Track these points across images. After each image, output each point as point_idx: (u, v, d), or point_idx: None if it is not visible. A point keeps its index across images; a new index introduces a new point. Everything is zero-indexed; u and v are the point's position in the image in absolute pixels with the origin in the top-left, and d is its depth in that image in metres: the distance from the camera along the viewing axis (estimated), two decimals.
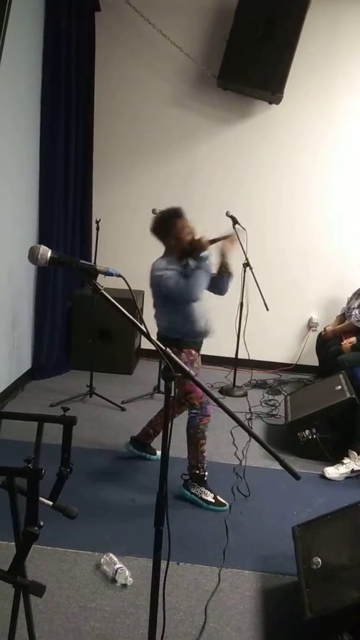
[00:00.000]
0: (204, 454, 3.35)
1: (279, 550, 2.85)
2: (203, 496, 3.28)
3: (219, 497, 3.29)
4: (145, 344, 5.75)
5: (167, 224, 3.36)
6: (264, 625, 2.40)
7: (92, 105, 5.50)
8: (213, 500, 3.26)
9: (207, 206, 5.62)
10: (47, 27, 4.63)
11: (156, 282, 3.27)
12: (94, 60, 5.43)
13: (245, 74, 5.02)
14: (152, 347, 1.73)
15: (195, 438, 3.34)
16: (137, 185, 5.69)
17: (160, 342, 3.32)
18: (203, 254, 3.29)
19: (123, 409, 4.57)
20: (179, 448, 3.84)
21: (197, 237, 3.33)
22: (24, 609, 1.82)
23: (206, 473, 3.35)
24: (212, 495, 3.28)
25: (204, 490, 3.30)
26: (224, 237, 3.53)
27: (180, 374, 1.68)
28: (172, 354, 1.70)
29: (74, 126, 5.09)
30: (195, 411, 3.34)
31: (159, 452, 3.75)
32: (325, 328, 5.43)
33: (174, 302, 3.26)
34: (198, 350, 3.41)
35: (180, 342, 3.31)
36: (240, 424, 1.73)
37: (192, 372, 3.23)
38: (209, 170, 5.65)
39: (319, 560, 2.37)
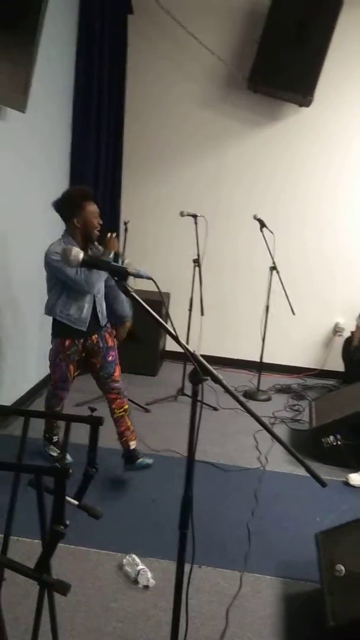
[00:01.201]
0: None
1: (301, 557, 2.83)
2: (50, 452, 3.44)
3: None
4: (170, 346, 5.76)
5: (76, 205, 3.25)
6: (286, 631, 2.38)
7: (123, 107, 5.53)
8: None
9: (234, 208, 5.63)
10: (81, 30, 4.68)
11: (53, 267, 3.20)
12: (125, 62, 5.46)
13: (276, 77, 5.00)
14: (177, 349, 1.73)
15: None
16: (166, 187, 5.71)
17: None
18: (109, 252, 3.27)
19: (147, 411, 4.58)
20: (202, 451, 3.84)
21: (108, 234, 3.29)
22: (48, 607, 1.84)
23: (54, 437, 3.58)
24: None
25: (52, 446, 3.50)
26: (126, 263, 3.71)
27: (208, 378, 1.67)
28: (200, 357, 1.70)
29: (105, 127, 5.12)
30: (50, 389, 3.66)
31: (139, 459, 3.54)
32: (352, 333, 5.36)
33: (64, 286, 3.26)
34: (78, 339, 3.38)
35: (58, 326, 3.36)
36: (267, 428, 1.73)
37: (57, 360, 3.44)
38: (237, 173, 5.64)
39: (342, 568, 2.35)
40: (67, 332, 3.35)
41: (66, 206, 3.29)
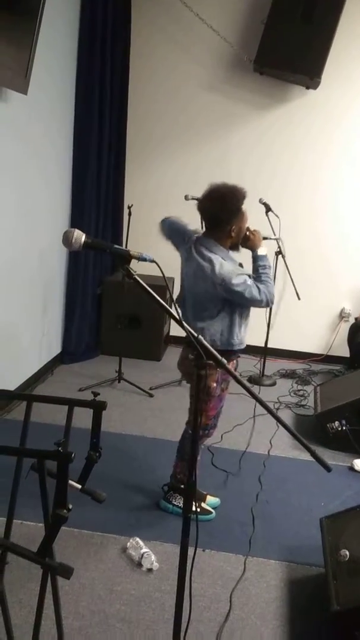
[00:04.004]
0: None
1: (306, 541, 2.84)
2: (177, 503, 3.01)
3: (204, 505, 3.02)
4: (174, 331, 5.74)
5: (238, 210, 2.72)
6: (290, 615, 2.39)
7: (127, 90, 5.47)
8: (198, 510, 2.89)
9: None
10: (83, 10, 4.60)
11: (236, 292, 2.68)
12: (129, 44, 5.39)
13: (283, 58, 4.92)
14: (181, 334, 1.72)
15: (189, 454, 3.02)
16: (170, 171, 5.66)
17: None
18: (261, 250, 2.88)
19: (151, 395, 4.58)
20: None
21: (254, 229, 2.88)
22: (51, 590, 1.84)
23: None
24: (196, 505, 2.79)
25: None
26: (274, 238, 3.25)
27: (211, 362, 1.66)
28: (204, 341, 1.68)
29: (108, 110, 5.06)
30: (190, 432, 2.84)
31: (210, 498, 3.15)
32: (356, 319, 5.37)
33: (234, 308, 2.78)
34: (231, 360, 2.96)
35: (233, 353, 2.87)
36: (271, 413, 1.71)
37: (218, 391, 2.87)
38: (244, 156, 5.57)
39: (347, 552, 2.34)
40: (230, 355, 2.83)
41: (227, 212, 2.71)
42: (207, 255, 2.71)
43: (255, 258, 2.88)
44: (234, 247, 2.86)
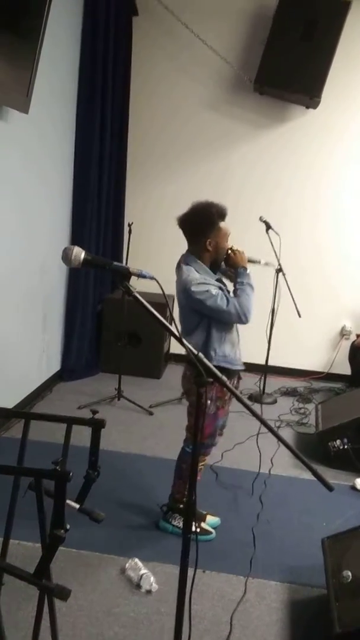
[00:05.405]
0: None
1: (308, 562, 2.79)
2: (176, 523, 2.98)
3: (204, 525, 2.97)
4: (175, 349, 5.72)
5: (212, 224, 2.78)
6: (291, 638, 2.34)
7: (127, 108, 5.52)
8: (198, 530, 2.85)
9: (241, 211, 5.55)
10: (85, 31, 4.66)
11: (195, 300, 2.72)
12: (130, 63, 5.45)
13: (283, 78, 4.97)
14: (182, 352, 1.71)
15: (186, 474, 2.90)
16: (170, 189, 5.69)
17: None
18: (243, 269, 2.87)
19: (151, 413, 4.55)
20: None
21: (237, 249, 2.89)
22: (48, 612, 1.81)
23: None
24: (196, 525, 2.80)
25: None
26: (263, 263, 3.26)
27: (212, 380, 1.65)
28: (204, 359, 1.67)
29: (109, 128, 5.11)
30: (187, 449, 2.96)
31: (210, 518, 3.11)
32: (357, 335, 5.36)
33: (211, 322, 2.79)
34: (231, 380, 2.90)
35: (225, 370, 2.74)
36: (272, 431, 1.69)
37: (212, 408, 2.81)
38: (244, 175, 5.61)
39: (349, 574, 2.30)
40: (224, 374, 2.77)
41: (200, 224, 2.79)
42: (182, 267, 2.81)
43: (236, 275, 2.89)
44: (215, 264, 2.88)
